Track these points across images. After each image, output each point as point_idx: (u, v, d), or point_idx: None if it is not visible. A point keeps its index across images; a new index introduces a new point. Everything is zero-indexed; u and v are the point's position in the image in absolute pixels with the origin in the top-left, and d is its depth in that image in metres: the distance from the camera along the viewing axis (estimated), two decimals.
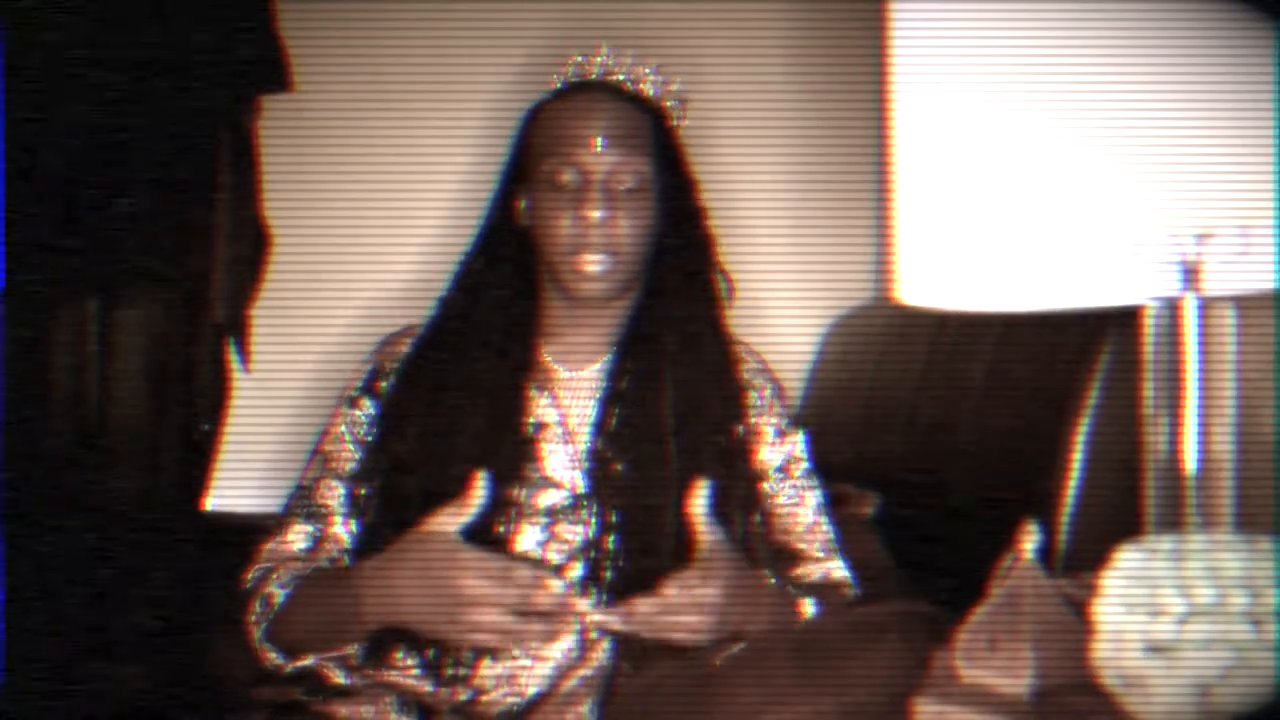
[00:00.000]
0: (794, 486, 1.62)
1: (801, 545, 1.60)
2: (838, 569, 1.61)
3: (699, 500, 1.39)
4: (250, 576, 1.55)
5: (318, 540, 1.55)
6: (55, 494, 2.04)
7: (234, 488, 2.21)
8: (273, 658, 1.47)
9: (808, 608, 1.49)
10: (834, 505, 1.95)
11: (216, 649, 1.69)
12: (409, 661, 1.47)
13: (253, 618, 1.48)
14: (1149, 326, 1.48)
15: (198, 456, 2.15)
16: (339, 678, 1.47)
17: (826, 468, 2.17)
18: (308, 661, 1.45)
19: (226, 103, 2.14)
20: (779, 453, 1.62)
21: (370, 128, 2.42)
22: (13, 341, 2.00)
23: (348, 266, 2.39)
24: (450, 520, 1.38)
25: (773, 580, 1.51)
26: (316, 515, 1.55)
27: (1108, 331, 1.59)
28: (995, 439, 1.76)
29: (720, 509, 1.47)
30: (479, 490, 1.38)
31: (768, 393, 1.64)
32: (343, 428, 1.59)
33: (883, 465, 2.04)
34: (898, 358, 2.08)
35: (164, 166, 2.08)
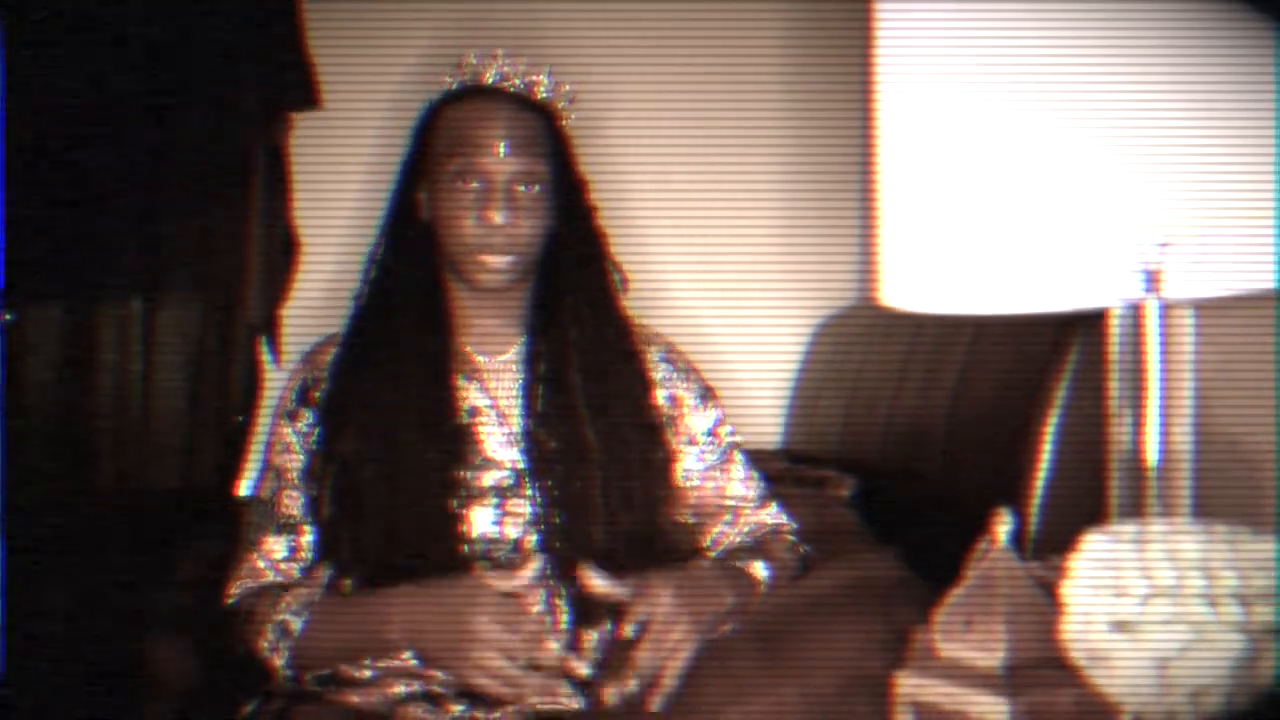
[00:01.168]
0: (723, 446, 1.62)
1: (735, 500, 1.61)
2: (771, 514, 1.62)
3: (596, 581, 1.38)
4: (235, 592, 1.52)
5: (294, 549, 1.52)
6: (96, 480, 2.04)
7: None
8: (287, 674, 1.45)
9: (759, 571, 1.49)
10: (815, 488, 1.96)
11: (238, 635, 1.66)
12: (414, 661, 1.45)
13: (266, 645, 1.44)
14: (1114, 328, 1.48)
15: (231, 446, 2.16)
16: (351, 668, 1.45)
17: (811, 456, 2.17)
18: (325, 672, 1.43)
19: (260, 119, 2.14)
20: (705, 417, 1.62)
21: (390, 138, 2.42)
22: (64, 339, 2.01)
23: None
24: (494, 577, 1.39)
25: (707, 562, 1.49)
26: (287, 526, 1.53)
27: (1076, 333, 1.59)
28: (971, 433, 1.76)
29: (641, 480, 1.50)
30: (534, 565, 1.40)
31: (681, 365, 1.64)
32: (289, 439, 1.55)
33: (864, 455, 2.04)
34: (880, 356, 2.08)
35: (202, 179, 2.08)
